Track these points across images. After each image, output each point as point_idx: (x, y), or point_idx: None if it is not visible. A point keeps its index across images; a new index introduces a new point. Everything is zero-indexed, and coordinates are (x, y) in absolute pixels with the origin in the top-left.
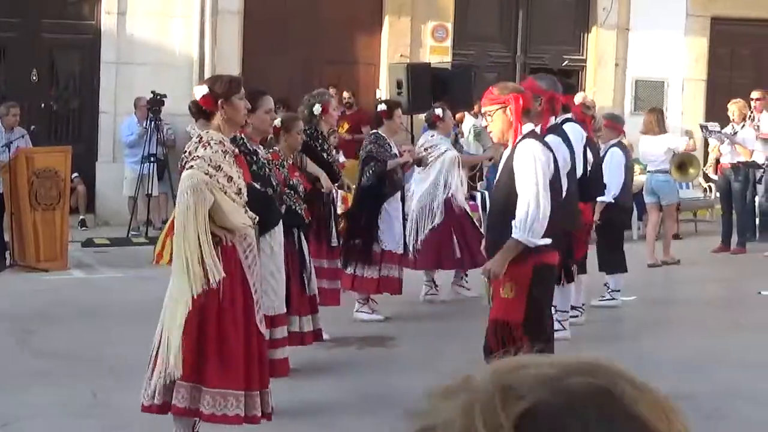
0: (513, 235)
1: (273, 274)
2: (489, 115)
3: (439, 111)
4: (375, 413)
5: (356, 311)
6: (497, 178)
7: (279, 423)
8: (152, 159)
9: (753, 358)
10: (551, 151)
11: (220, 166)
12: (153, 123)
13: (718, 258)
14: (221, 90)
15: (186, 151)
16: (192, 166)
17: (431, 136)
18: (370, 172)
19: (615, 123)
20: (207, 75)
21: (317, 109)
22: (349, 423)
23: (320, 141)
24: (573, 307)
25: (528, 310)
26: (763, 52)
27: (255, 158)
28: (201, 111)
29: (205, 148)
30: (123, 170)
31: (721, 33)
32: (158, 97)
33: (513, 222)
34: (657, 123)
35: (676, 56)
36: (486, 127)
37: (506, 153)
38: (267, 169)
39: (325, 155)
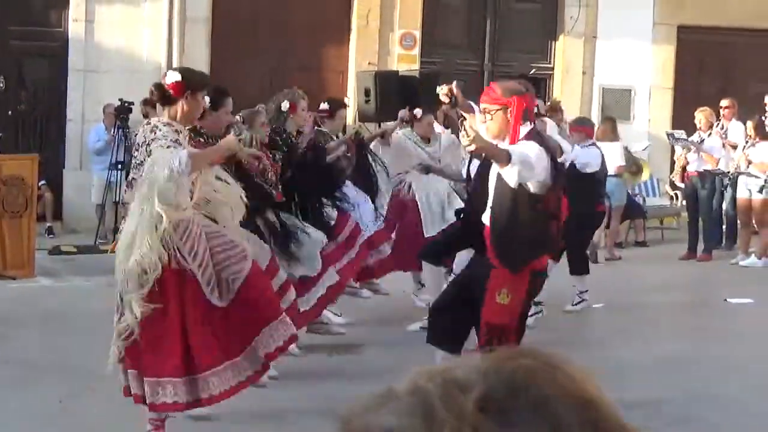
0: (510, 153)
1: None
2: (488, 113)
3: (417, 111)
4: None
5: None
6: (495, 184)
7: (246, 429)
8: (120, 166)
9: (719, 364)
10: (549, 154)
11: (177, 140)
12: (120, 130)
13: (684, 265)
14: (192, 82)
15: (138, 143)
16: (158, 147)
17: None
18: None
19: (581, 126)
20: None
21: (285, 105)
22: (318, 430)
23: (284, 138)
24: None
25: (521, 316)
26: (730, 60)
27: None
28: (164, 96)
29: (156, 131)
30: (90, 178)
31: (687, 41)
32: (126, 104)
33: (514, 149)
34: (612, 131)
35: (642, 64)
36: (482, 122)
37: None
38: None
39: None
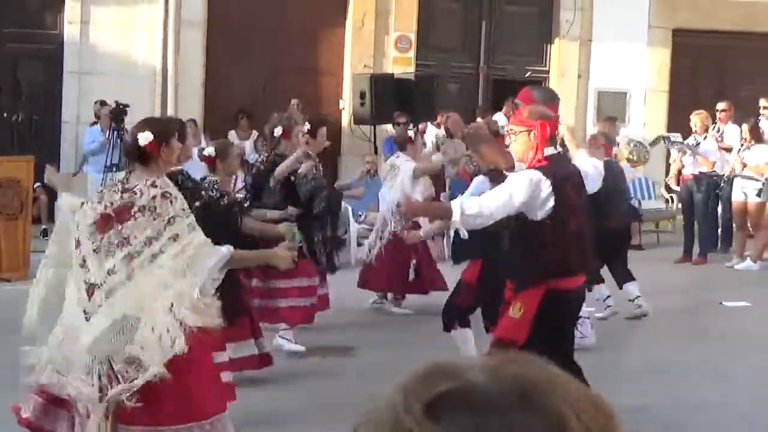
0: (453, 209)
1: None
2: (513, 134)
3: (412, 134)
4: (335, 423)
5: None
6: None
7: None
8: (114, 169)
9: (714, 368)
10: (558, 184)
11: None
12: (115, 132)
13: (680, 268)
14: (164, 132)
15: (142, 205)
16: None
17: (396, 157)
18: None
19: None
20: (170, 84)
21: (277, 131)
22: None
23: (279, 162)
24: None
25: (532, 333)
26: (725, 63)
27: (201, 184)
28: (143, 155)
29: (172, 201)
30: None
31: (682, 44)
32: (121, 106)
33: (464, 202)
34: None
35: (638, 67)
36: (508, 144)
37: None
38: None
39: (291, 178)
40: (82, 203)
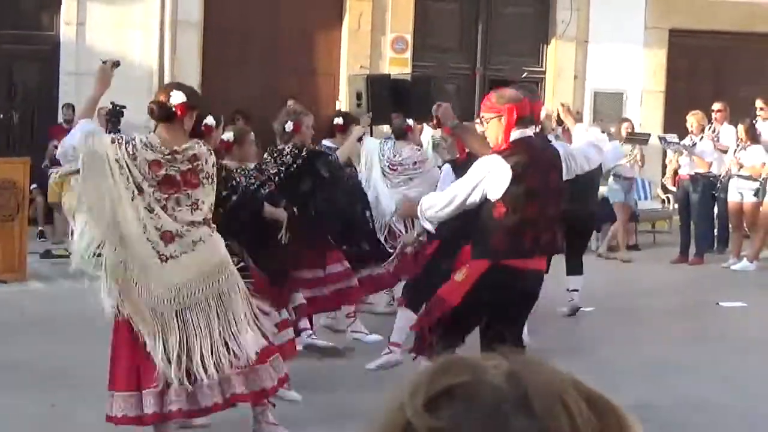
0: (420, 209)
1: None
2: (486, 121)
3: (410, 121)
4: (333, 425)
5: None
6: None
7: None
8: None
9: (711, 368)
10: (520, 168)
11: (127, 165)
12: (112, 134)
13: (676, 269)
14: (195, 102)
15: (210, 176)
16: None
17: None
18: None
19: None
20: None
21: (289, 126)
22: None
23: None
24: None
25: (467, 299)
26: (721, 64)
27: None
28: (167, 115)
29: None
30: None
31: (679, 45)
32: (118, 108)
33: (422, 201)
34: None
35: (634, 68)
36: (483, 132)
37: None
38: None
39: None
40: (112, 140)
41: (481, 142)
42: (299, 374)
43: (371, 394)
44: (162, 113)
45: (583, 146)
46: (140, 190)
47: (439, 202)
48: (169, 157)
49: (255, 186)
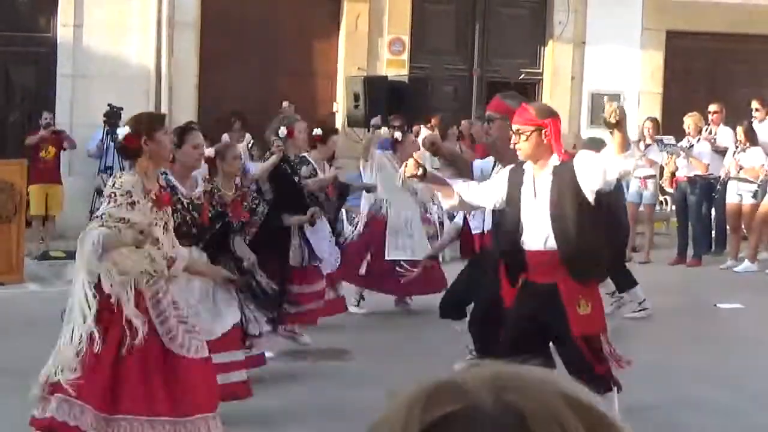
0: (616, 157)
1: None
2: (522, 133)
3: (397, 134)
4: (327, 426)
5: None
6: (551, 201)
7: None
8: (109, 171)
9: (708, 369)
10: None
11: (122, 218)
12: (110, 136)
13: (674, 270)
14: (143, 127)
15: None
16: (94, 226)
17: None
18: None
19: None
20: (164, 87)
21: (282, 131)
22: None
23: (288, 165)
24: None
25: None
26: (718, 65)
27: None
28: (127, 151)
29: (108, 202)
30: (78, 183)
31: (676, 47)
32: (115, 109)
33: (611, 157)
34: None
35: (631, 70)
36: (515, 143)
37: (544, 173)
38: (182, 206)
39: (295, 179)
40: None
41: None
42: (295, 374)
43: (369, 392)
44: (126, 153)
45: None
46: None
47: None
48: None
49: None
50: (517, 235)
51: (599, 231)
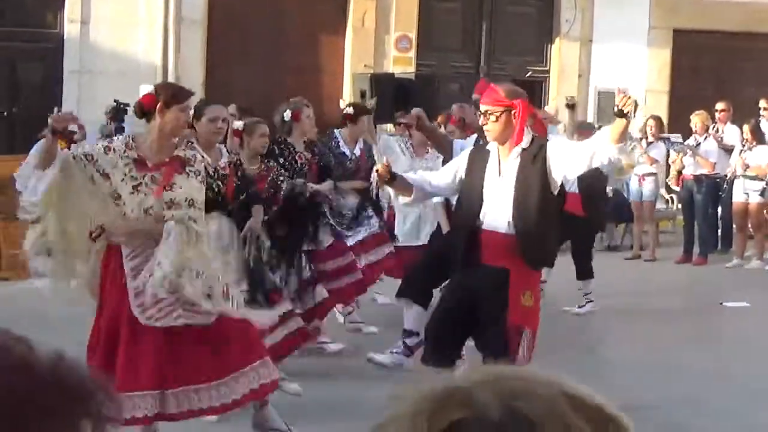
0: (610, 145)
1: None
2: (492, 114)
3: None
4: (344, 422)
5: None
6: (516, 182)
7: (245, 430)
8: None
9: (714, 369)
10: None
11: (107, 173)
12: (116, 132)
13: (680, 269)
14: (164, 95)
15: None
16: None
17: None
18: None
19: (584, 131)
20: None
21: (287, 114)
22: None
23: (282, 149)
24: None
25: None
26: (725, 64)
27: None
28: (142, 110)
29: (104, 150)
30: None
31: (683, 45)
32: (121, 105)
33: (605, 143)
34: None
35: (638, 68)
36: (483, 124)
37: (512, 154)
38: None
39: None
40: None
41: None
42: (302, 369)
43: (374, 389)
44: (139, 112)
45: None
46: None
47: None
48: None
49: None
50: (476, 214)
51: (556, 218)
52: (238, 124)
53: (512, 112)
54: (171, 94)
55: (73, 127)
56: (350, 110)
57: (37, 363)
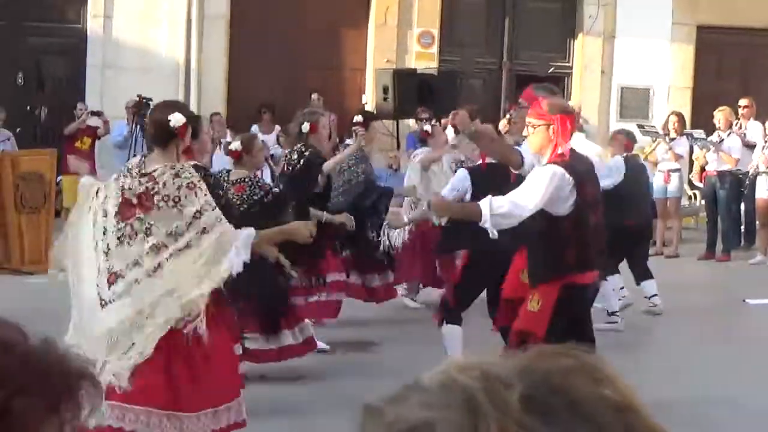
0: (483, 209)
1: None
2: (533, 126)
3: (427, 127)
4: (354, 419)
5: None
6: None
7: (258, 426)
8: None
9: (736, 365)
10: (579, 179)
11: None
12: (138, 126)
13: (703, 265)
14: (194, 123)
15: (170, 197)
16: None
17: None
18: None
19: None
20: (193, 79)
21: (305, 127)
22: (329, 427)
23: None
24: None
25: (551, 326)
26: (748, 60)
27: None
28: (168, 135)
29: (197, 192)
30: (105, 175)
31: (706, 41)
32: (144, 100)
33: (493, 201)
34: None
35: (661, 64)
36: (526, 136)
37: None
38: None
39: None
40: (98, 189)
41: (503, 146)
42: (323, 366)
43: (391, 388)
44: (161, 137)
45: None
46: (104, 232)
47: (516, 208)
48: (138, 180)
49: (258, 197)
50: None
51: (558, 238)
52: (236, 145)
53: (550, 127)
54: (197, 120)
55: (96, 122)
56: (360, 118)
57: (23, 346)
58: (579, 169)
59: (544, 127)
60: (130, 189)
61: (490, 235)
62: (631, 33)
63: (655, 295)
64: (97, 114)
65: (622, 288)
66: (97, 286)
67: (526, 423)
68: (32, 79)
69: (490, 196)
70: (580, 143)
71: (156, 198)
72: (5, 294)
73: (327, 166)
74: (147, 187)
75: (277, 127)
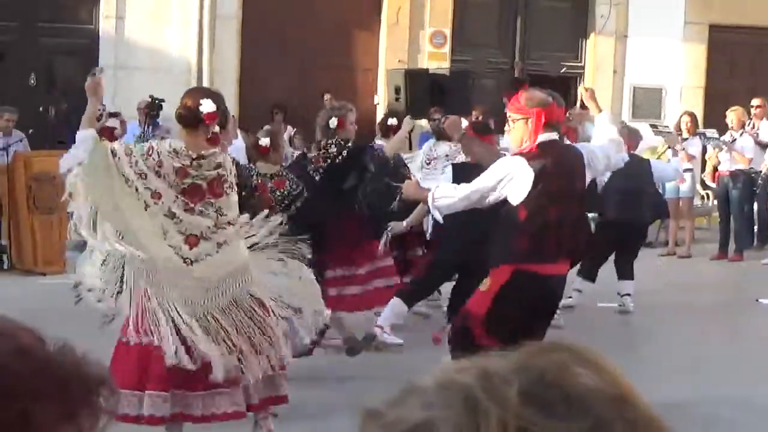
0: (428, 195)
1: None
2: (512, 120)
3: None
4: (346, 421)
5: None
6: None
7: (276, 427)
8: None
9: (749, 366)
10: (542, 172)
11: (145, 174)
12: (150, 127)
13: (715, 265)
14: (223, 115)
15: (233, 185)
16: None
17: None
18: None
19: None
20: (205, 79)
21: (333, 122)
22: (345, 428)
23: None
24: None
25: (493, 309)
26: (761, 59)
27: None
28: (196, 120)
29: (149, 152)
30: None
31: (719, 40)
32: (156, 101)
33: (436, 189)
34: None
35: (674, 63)
36: (507, 130)
37: None
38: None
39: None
40: (112, 150)
41: (484, 149)
42: (335, 367)
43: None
44: (190, 120)
45: (605, 144)
46: (158, 196)
47: (456, 194)
48: (195, 164)
49: (297, 191)
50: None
51: (511, 226)
52: (265, 141)
53: (528, 120)
54: (226, 114)
55: (114, 123)
56: (394, 121)
57: (39, 351)
58: (550, 161)
59: (523, 121)
60: (194, 172)
61: (436, 217)
62: (643, 32)
63: (629, 294)
64: (115, 115)
65: (628, 295)
66: (170, 246)
67: (525, 416)
68: (44, 80)
69: (441, 182)
70: (603, 124)
71: (225, 185)
72: (18, 294)
73: (390, 148)
74: (217, 174)
75: (289, 128)
